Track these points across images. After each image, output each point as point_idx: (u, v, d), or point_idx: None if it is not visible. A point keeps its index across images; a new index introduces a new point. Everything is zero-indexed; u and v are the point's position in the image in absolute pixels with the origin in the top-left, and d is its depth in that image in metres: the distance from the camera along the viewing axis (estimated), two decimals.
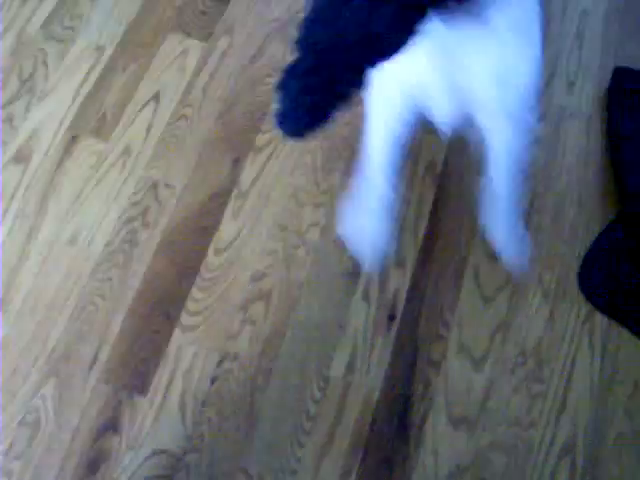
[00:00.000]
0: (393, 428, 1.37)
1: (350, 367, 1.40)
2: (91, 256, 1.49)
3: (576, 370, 1.41)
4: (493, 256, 1.49)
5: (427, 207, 1.55)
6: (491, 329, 1.44)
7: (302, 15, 0.88)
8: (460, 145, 1.60)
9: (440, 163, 1.59)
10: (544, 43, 1.19)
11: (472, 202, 1.51)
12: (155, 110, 1.65)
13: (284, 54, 1.75)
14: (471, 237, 1.51)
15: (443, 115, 1.27)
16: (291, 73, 0.90)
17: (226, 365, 1.40)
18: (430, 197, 1.56)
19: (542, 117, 1.64)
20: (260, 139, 1.63)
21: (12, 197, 1.55)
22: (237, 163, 1.60)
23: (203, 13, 1.77)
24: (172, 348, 1.41)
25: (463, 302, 1.46)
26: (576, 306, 1.46)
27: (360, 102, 1.48)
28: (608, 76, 1.69)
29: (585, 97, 1.68)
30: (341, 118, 1.54)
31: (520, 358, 1.42)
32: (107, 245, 1.50)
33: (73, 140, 1.61)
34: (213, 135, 1.63)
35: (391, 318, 1.44)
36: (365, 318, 1.44)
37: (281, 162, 1.60)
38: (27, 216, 1.53)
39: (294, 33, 0.88)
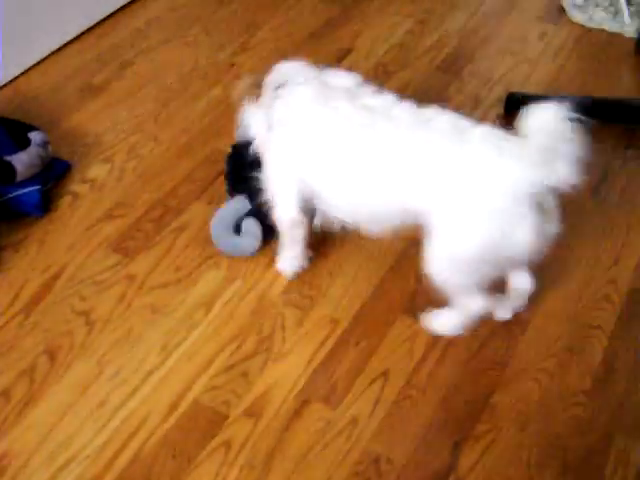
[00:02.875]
0: None
1: None
2: None
3: None
4: None
5: None
6: None
7: None
8: None
9: None
10: None
11: None
12: (383, 387, 1.94)
13: (507, 350, 2.02)
14: None
15: None
16: None
17: None
18: None
19: None
20: (479, 428, 1.88)
21: (241, 448, 1.83)
22: (457, 447, 1.85)
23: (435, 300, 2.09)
24: None
25: None
26: None
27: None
28: None
29: None
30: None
31: None
32: None
33: (303, 403, 1.91)
34: (435, 418, 1.90)
35: None
36: None
37: (498, 454, 1.85)
38: (254, 468, 1.80)
39: None
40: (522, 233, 1.72)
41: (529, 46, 3.02)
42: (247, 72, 2.04)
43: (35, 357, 1.97)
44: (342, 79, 1.94)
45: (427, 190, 1.78)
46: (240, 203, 2.20)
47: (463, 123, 1.78)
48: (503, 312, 2.07)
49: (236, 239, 2.20)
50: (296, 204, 2.00)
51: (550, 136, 1.64)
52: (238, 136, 2.18)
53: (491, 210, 1.70)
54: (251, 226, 2.18)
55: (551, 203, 1.75)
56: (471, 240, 1.76)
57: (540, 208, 1.73)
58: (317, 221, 2.18)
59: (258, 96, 1.97)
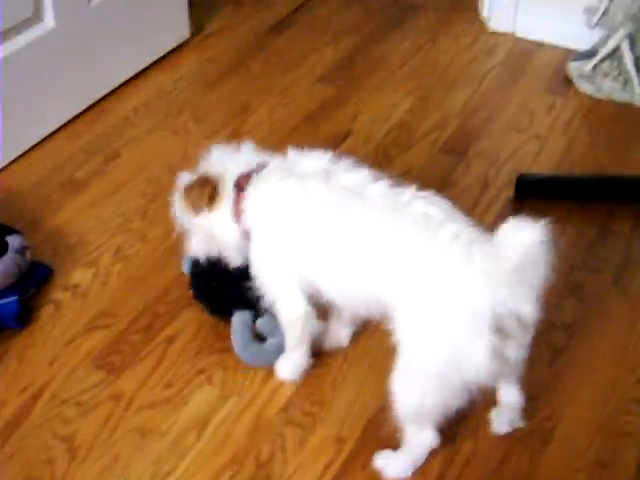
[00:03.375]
0: None
1: None
2: None
3: None
4: None
5: None
6: None
7: None
8: None
9: None
10: None
11: None
12: None
13: (529, 465, 1.84)
14: None
15: None
16: None
17: None
18: None
19: None
20: None
21: None
22: None
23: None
24: None
25: None
26: None
27: None
28: None
29: None
30: None
31: None
32: None
33: None
34: None
35: None
36: None
37: None
38: None
39: None
40: (476, 354, 1.57)
41: (537, 121, 2.92)
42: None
43: None
44: (313, 161, 1.83)
45: (389, 282, 1.68)
46: (244, 314, 2.08)
47: (436, 213, 1.66)
48: (500, 426, 1.92)
49: (262, 347, 2.08)
50: (301, 296, 1.87)
51: (522, 258, 1.49)
52: (194, 253, 2.05)
53: (446, 320, 1.58)
54: (266, 325, 2.09)
55: (515, 327, 1.60)
56: (424, 345, 1.65)
57: (502, 330, 1.58)
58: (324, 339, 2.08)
59: (212, 199, 1.88)
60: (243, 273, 1.94)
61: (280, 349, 2.03)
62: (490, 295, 1.56)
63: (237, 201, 1.88)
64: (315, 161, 1.81)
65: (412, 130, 2.84)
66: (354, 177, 1.78)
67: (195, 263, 2.12)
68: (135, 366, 2.08)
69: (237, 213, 1.88)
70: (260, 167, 1.88)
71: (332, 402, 2.00)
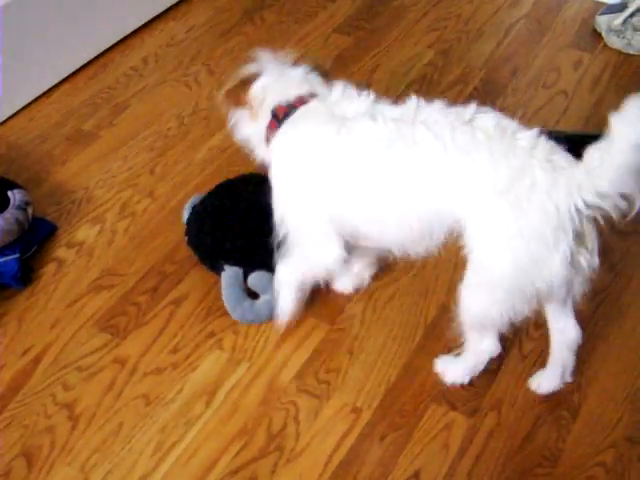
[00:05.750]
0: None
1: None
2: None
3: None
4: None
5: None
6: None
7: None
8: None
9: None
10: None
11: None
12: None
13: (556, 442, 1.72)
14: None
15: None
16: None
17: None
18: None
19: None
20: None
21: None
22: None
23: (470, 384, 1.79)
24: None
25: None
26: None
27: None
28: None
29: None
30: None
31: None
32: None
33: None
34: None
35: None
36: None
37: None
38: None
39: None
40: (555, 259, 1.51)
41: (563, 77, 2.78)
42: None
43: (11, 460, 1.73)
44: (355, 104, 1.74)
45: (464, 194, 1.58)
46: (235, 270, 1.98)
47: (508, 124, 1.59)
48: (548, 383, 1.85)
49: (254, 304, 1.97)
50: (339, 239, 1.77)
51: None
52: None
53: (523, 225, 1.52)
54: (259, 280, 1.98)
55: (592, 235, 1.55)
56: (501, 255, 1.57)
57: (579, 237, 1.52)
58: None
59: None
60: (239, 227, 1.90)
61: (273, 306, 1.92)
62: (577, 200, 1.50)
63: (270, 129, 1.80)
64: (356, 104, 1.74)
65: (434, 83, 2.71)
66: (404, 108, 1.68)
67: (194, 210, 2.04)
68: (141, 329, 1.98)
69: (267, 140, 1.80)
70: (301, 100, 1.78)
71: (348, 370, 1.90)
